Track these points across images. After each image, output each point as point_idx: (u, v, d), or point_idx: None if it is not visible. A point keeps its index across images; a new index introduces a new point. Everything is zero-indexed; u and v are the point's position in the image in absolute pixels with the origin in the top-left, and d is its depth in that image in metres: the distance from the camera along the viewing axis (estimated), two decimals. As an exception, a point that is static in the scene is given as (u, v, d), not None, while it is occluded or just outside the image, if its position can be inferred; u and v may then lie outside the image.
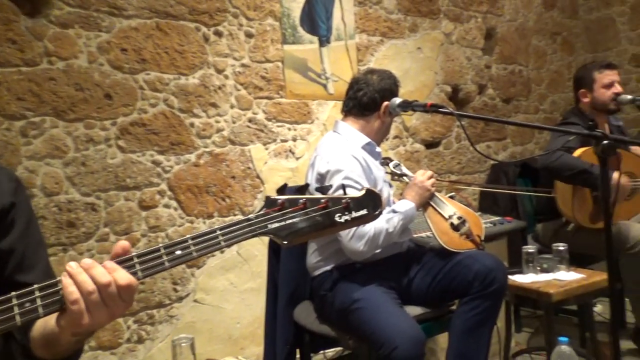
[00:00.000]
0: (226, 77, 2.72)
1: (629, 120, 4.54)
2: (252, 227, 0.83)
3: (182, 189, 2.58)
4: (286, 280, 2.14)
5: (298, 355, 2.16)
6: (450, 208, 2.06)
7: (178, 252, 0.82)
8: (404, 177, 2.12)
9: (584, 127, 1.65)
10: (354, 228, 1.84)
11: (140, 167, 2.47)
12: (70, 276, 0.78)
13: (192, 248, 0.82)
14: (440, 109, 1.73)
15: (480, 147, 3.96)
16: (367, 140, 2.05)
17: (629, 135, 3.85)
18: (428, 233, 2.30)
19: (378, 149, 2.09)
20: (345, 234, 1.85)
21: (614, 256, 1.90)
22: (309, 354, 2.15)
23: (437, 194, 2.08)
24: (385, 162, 2.15)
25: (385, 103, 2.02)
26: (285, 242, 0.84)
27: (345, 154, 1.94)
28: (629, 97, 2.59)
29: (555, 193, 2.61)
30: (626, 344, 2.68)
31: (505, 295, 2.01)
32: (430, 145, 3.66)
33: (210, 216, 2.67)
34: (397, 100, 1.94)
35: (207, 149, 2.66)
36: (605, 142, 1.51)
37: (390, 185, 2.17)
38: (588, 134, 1.59)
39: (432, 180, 2.05)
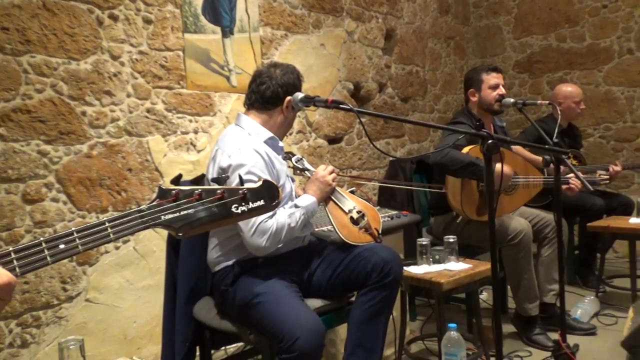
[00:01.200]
0: (122, 64, 2.58)
1: (512, 122, 4.94)
2: (145, 219, 0.80)
3: (73, 181, 2.42)
4: (185, 277, 2.09)
5: (198, 353, 2.11)
6: (350, 202, 2.11)
7: (61, 246, 0.77)
8: (306, 172, 2.14)
9: (472, 127, 1.77)
10: (257, 224, 1.83)
11: (24, 158, 2.28)
12: None
13: (78, 242, 0.77)
14: (341, 105, 1.76)
15: (379, 144, 4.11)
16: (270, 134, 2.04)
17: (511, 136, 4.18)
18: (329, 227, 2.35)
19: (281, 144, 2.09)
20: (248, 230, 1.83)
21: (497, 247, 2.06)
22: (210, 351, 2.11)
23: (338, 188, 2.12)
24: (288, 156, 2.16)
25: (288, 98, 2.02)
26: (181, 234, 0.81)
27: (247, 148, 1.92)
28: (512, 99, 2.80)
29: (447, 188, 2.76)
30: (508, 328, 2.92)
31: (400, 285, 2.10)
32: (332, 140, 3.74)
33: (104, 210, 2.53)
34: (299, 95, 1.94)
35: (101, 140, 2.51)
36: (490, 141, 1.63)
37: (293, 180, 2.18)
38: (475, 133, 1.71)
39: (334, 175, 2.09)
